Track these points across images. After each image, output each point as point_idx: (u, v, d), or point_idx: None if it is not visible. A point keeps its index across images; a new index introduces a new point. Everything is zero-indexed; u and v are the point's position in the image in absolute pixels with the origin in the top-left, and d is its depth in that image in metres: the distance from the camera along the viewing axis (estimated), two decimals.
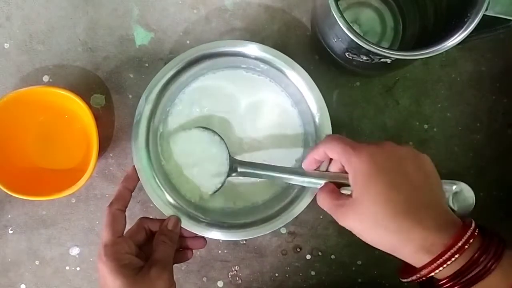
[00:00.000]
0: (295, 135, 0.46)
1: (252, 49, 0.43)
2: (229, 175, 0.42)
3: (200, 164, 0.42)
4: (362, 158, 0.32)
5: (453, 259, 0.29)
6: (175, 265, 0.49)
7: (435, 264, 0.29)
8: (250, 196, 0.46)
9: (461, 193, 0.36)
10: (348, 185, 0.36)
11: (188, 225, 0.42)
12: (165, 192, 0.42)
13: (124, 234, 0.39)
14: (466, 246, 0.29)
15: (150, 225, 0.41)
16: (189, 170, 0.43)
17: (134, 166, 0.42)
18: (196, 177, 0.43)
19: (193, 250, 0.44)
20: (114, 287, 0.35)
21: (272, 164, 0.41)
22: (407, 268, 0.32)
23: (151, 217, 0.43)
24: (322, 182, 0.38)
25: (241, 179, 0.45)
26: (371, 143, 0.34)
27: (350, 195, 0.33)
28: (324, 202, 0.35)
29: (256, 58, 0.43)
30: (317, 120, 0.43)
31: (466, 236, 0.29)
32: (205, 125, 0.44)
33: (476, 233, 0.29)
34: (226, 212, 0.45)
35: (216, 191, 0.42)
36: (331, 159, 0.38)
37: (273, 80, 0.45)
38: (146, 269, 0.36)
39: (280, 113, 0.46)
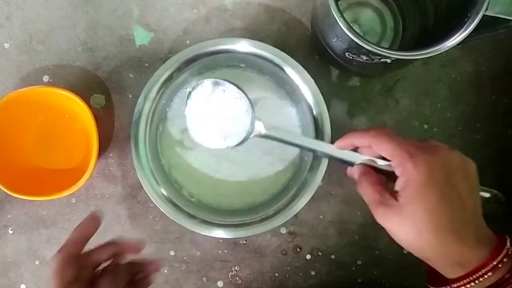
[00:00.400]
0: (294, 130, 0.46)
1: (245, 46, 0.43)
2: (251, 133, 0.40)
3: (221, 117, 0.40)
4: (418, 167, 0.31)
5: (485, 276, 0.29)
6: (175, 264, 0.49)
7: (468, 280, 0.29)
8: (248, 196, 0.46)
9: (492, 202, 0.35)
10: (378, 169, 0.36)
11: (186, 223, 0.42)
12: (164, 191, 0.43)
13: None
14: (500, 265, 0.29)
15: (96, 258, 0.36)
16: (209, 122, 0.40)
17: (94, 212, 0.37)
18: (216, 129, 0.40)
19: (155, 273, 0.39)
20: None
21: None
22: (435, 275, 0.32)
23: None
24: (355, 161, 0.36)
25: (242, 178, 0.45)
26: (425, 149, 0.32)
27: (394, 196, 0.32)
28: (366, 193, 0.34)
29: (254, 55, 0.43)
30: (315, 116, 0.43)
31: (501, 255, 0.29)
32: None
33: (510, 252, 0.30)
34: (224, 211, 0.45)
35: (239, 143, 0.40)
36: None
37: (271, 79, 0.45)
38: None
39: (278, 112, 0.46)
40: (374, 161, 0.36)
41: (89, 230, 0.36)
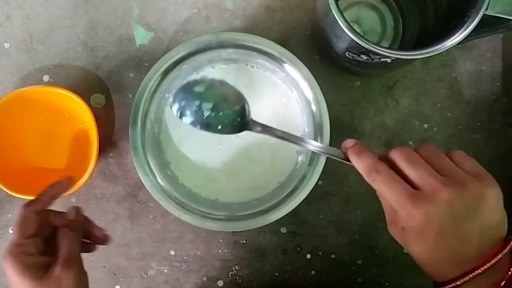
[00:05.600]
0: (295, 126, 0.46)
1: (256, 42, 0.43)
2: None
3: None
4: (416, 216, 0.30)
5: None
6: (175, 264, 0.49)
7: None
8: (248, 190, 0.46)
9: None
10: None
11: (185, 217, 0.43)
12: (163, 184, 0.43)
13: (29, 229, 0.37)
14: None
15: (54, 219, 0.39)
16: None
17: (69, 177, 0.41)
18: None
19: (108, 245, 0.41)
20: None
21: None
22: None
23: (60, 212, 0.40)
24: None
25: (242, 174, 0.46)
26: (430, 197, 0.30)
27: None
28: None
29: (259, 51, 0.44)
30: (315, 112, 0.43)
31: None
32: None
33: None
34: (222, 205, 0.46)
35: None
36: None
37: (272, 73, 0.46)
38: (52, 268, 0.35)
39: (280, 106, 0.46)
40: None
41: (58, 191, 0.39)
